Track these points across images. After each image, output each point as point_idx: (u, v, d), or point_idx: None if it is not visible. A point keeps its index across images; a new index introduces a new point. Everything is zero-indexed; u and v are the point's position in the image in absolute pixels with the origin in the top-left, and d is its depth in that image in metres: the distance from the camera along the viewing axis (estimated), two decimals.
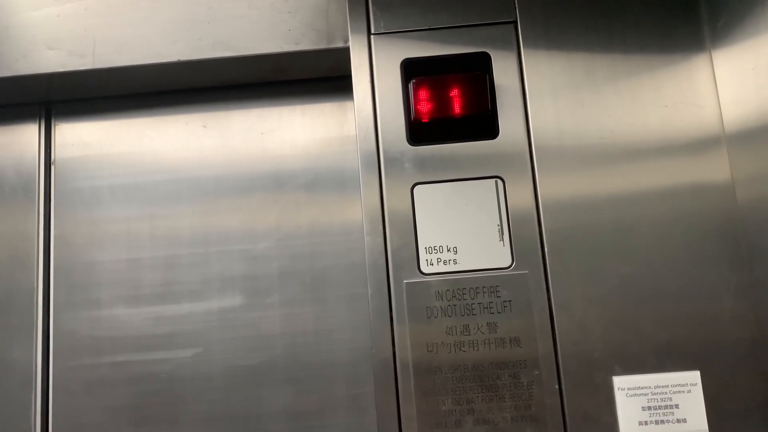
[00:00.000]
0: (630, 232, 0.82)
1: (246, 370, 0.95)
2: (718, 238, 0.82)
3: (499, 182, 0.84)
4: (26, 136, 1.03)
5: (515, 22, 0.89)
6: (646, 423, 0.78)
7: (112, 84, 0.99)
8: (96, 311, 0.97)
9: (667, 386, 0.79)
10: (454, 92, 0.86)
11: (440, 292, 0.81)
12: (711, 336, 0.80)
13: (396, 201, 0.84)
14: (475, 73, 0.86)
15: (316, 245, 0.99)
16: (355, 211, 0.97)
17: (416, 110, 0.86)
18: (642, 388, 0.79)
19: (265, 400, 0.94)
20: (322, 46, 0.94)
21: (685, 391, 0.79)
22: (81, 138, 1.03)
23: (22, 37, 0.95)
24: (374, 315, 0.81)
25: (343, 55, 0.91)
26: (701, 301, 0.80)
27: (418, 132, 0.86)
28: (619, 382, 0.79)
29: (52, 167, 1.03)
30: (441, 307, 0.81)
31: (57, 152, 1.03)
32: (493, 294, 0.81)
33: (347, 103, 1.01)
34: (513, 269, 0.82)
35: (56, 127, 1.04)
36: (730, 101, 0.84)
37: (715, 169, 0.84)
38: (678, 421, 0.78)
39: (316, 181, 1.01)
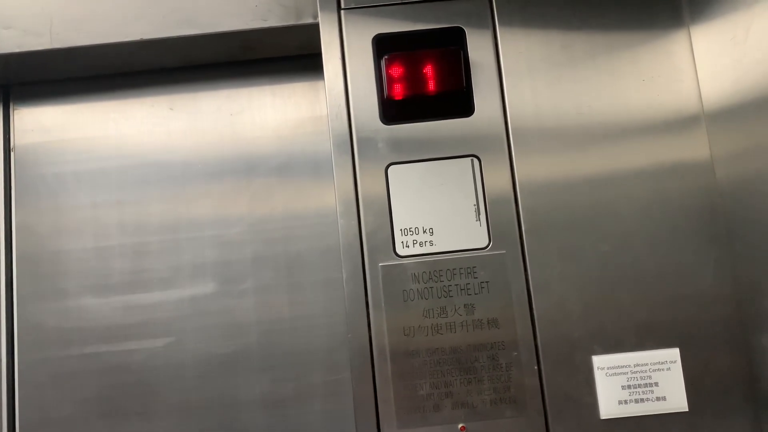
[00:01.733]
0: (609, 211, 0.81)
1: (220, 359, 0.93)
2: (698, 216, 0.81)
3: (475, 161, 0.82)
4: None
5: None
6: (626, 402, 0.77)
7: (72, 65, 0.95)
8: (63, 302, 0.94)
9: (647, 364, 0.78)
10: (428, 69, 0.83)
11: (416, 274, 0.80)
12: (690, 313, 0.79)
13: (370, 182, 0.82)
14: (449, 49, 0.84)
15: (289, 229, 0.96)
16: (329, 194, 0.95)
17: (389, 88, 0.83)
18: (621, 366, 0.78)
19: (241, 389, 0.92)
20: (290, 22, 0.91)
21: (664, 368, 0.78)
22: (42, 123, 0.99)
23: None
24: (349, 299, 0.79)
25: (313, 31, 0.88)
26: (681, 279, 0.80)
27: (392, 110, 0.84)
28: (599, 361, 0.78)
29: (12, 154, 0.99)
30: (417, 289, 0.79)
31: (16, 138, 0.99)
32: (470, 275, 0.80)
33: (319, 83, 0.98)
34: (490, 250, 0.80)
35: (15, 111, 1.00)
36: (709, 76, 0.83)
37: (694, 147, 0.83)
38: (658, 399, 0.77)
39: (288, 163, 0.98)
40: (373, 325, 0.79)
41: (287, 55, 0.98)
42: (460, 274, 0.80)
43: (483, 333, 0.78)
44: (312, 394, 0.92)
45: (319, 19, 0.86)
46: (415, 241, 0.81)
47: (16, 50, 0.90)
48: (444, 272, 0.80)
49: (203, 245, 0.95)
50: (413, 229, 0.81)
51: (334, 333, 0.93)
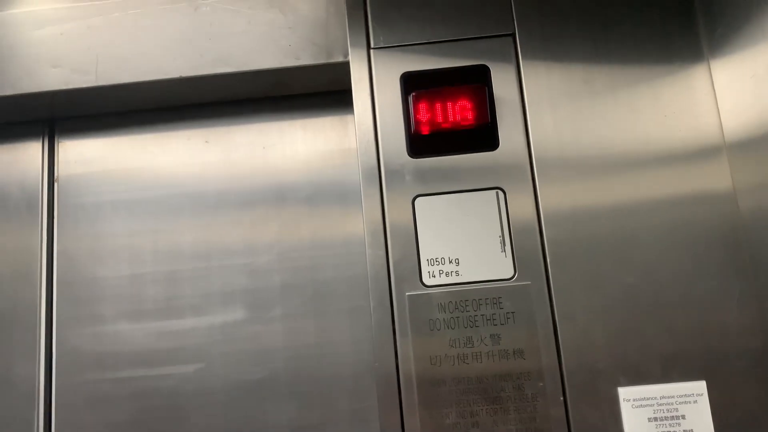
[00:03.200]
0: (632, 242, 0.82)
1: (248, 384, 0.94)
2: (721, 247, 0.81)
3: (500, 193, 0.84)
4: (30, 153, 1.04)
5: (513, 35, 0.89)
6: None
7: (114, 100, 1.00)
8: (99, 326, 0.97)
9: (673, 397, 0.78)
10: (454, 105, 0.86)
11: (443, 304, 0.81)
12: (716, 345, 0.79)
13: (397, 213, 0.84)
14: (474, 85, 0.87)
15: (317, 258, 0.99)
16: (356, 224, 0.97)
17: (416, 123, 0.86)
18: (648, 399, 0.78)
19: (268, 415, 0.93)
20: (322, 60, 0.94)
21: (691, 401, 0.78)
22: (84, 154, 1.04)
23: (26, 56, 0.96)
24: (377, 328, 0.81)
25: (343, 69, 0.91)
26: (705, 310, 0.80)
27: (419, 144, 0.86)
28: (625, 393, 0.78)
29: (56, 184, 1.03)
30: (444, 319, 0.81)
31: (60, 169, 1.04)
32: (495, 305, 0.81)
33: (347, 117, 1.02)
34: (515, 280, 0.82)
35: (59, 144, 1.05)
36: (730, 110, 0.84)
37: (717, 178, 0.83)
38: (685, 431, 0.77)
39: (317, 194, 1.01)
40: (399, 354, 0.80)
41: (318, 91, 1.02)
42: (486, 304, 0.81)
43: (509, 363, 0.79)
44: (338, 420, 0.93)
45: (350, 58, 0.89)
46: (441, 271, 0.82)
47: (63, 87, 0.95)
48: (470, 302, 0.81)
49: (234, 273, 0.98)
50: (439, 260, 0.83)
51: (361, 360, 0.94)
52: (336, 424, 0.93)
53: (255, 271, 0.98)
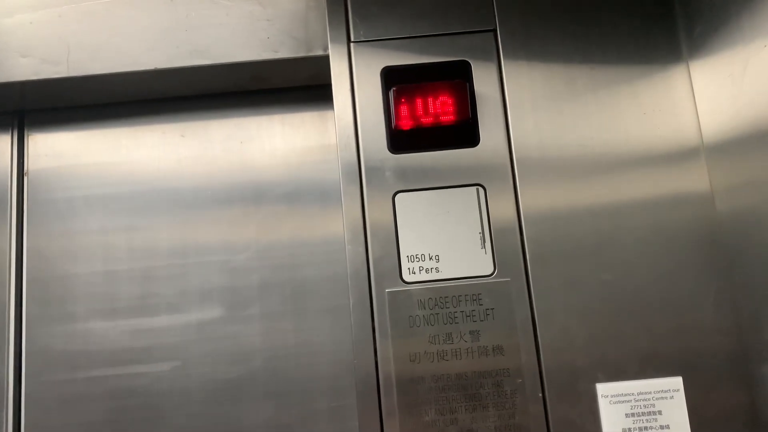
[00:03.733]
0: (611, 241, 0.82)
1: (225, 384, 0.93)
2: (698, 247, 0.82)
3: (481, 190, 0.84)
4: None
5: (495, 31, 0.89)
6: (630, 430, 0.78)
7: (86, 92, 0.97)
8: (71, 325, 0.95)
9: (650, 393, 0.79)
10: (435, 100, 0.86)
11: (422, 300, 0.81)
12: (692, 343, 0.80)
13: (377, 210, 0.83)
14: (455, 81, 0.86)
15: (296, 256, 0.98)
16: (337, 221, 0.96)
17: (397, 118, 0.85)
18: (625, 395, 0.79)
19: (246, 414, 0.92)
20: (301, 54, 0.93)
21: (668, 397, 0.79)
22: (55, 148, 1.01)
23: None
24: (356, 325, 0.80)
25: (323, 63, 0.90)
26: (682, 309, 0.81)
27: (399, 140, 0.86)
28: (603, 389, 0.79)
29: (25, 178, 1.00)
30: (423, 315, 0.80)
31: (30, 163, 1.01)
32: (475, 302, 0.81)
33: (327, 113, 1.00)
34: (495, 277, 0.81)
35: (29, 136, 1.02)
36: (708, 111, 0.85)
37: (695, 180, 0.84)
38: (661, 427, 0.78)
39: (296, 190, 1.00)
40: (379, 351, 0.79)
41: (297, 85, 1.00)
42: (466, 300, 0.81)
43: (488, 360, 0.79)
44: (317, 419, 0.92)
45: (329, 52, 0.88)
46: (421, 268, 0.82)
47: (33, 77, 0.92)
48: (450, 299, 0.81)
49: (211, 271, 0.96)
50: (419, 256, 0.82)
51: (339, 359, 0.93)
52: (314, 423, 0.92)
53: (233, 269, 0.97)
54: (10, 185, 0.99)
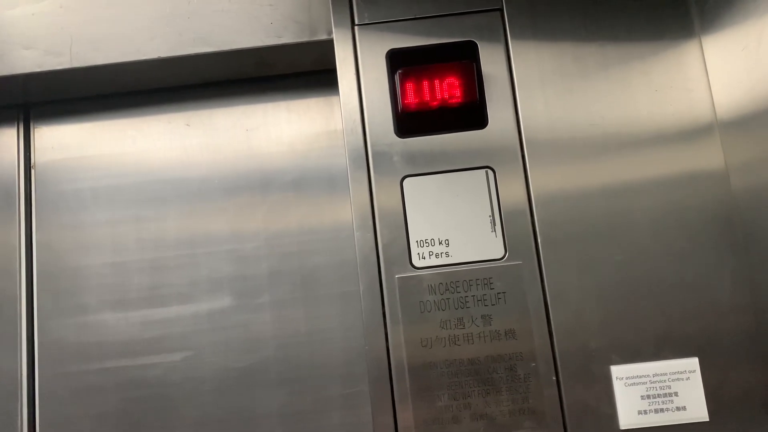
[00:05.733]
0: (624, 221, 0.81)
1: (237, 372, 0.93)
2: (714, 226, 0.81)
3: (490, 173, 0.83)
4: (4, 140, 1.01)
5: (501, 10, 0.87)
6: (645, 412, 0.77)
7: (90, 83, 0.97)
8: (82, 317, 0.95)
9: (666, 374, 0.78)
10: (441, 82, 0.84)
11: (433, 285, 0.80)
12: (709, 323, 0.79)
13: (385, 195, 0.83)
14: (462, 62, 0.85)
15: (305, 243, 0.97)
16: (345, 207, 0.95)
17: (403, 101, 0.84)
18: (640, 377, 0.78)
19: (258, 402, 0.92)
20: (305, 38, 0.92)
21: (684, 378, 0.78)
22: (61, 140, 1.01)
23: None
24: (367, 311, 0.79)
25: (327, 47, 0.89)
26: (698, 288, 0.80)
27: (406, 124, 0.84)
28: (617, 371, 0.78)
29: (33, 171, 1.00)
30: (434, 301, 0.80)
31: (37, 156, 1.01)
32: (486, 286, 0.80)
33: (333, 98, 0.99)
34: (506, 260, 0.81)
35: (35, 129, 1.02)
36: (721, 86, 0.83)
37: (709, 157, 0.83)
38: (678, 408, 0.77)
39: (303, 177, 0.99)
40: (390, 337, 0.79)
41: (302, 71, 0.99)
42: (477, 285, 0.80)
43: (500, 344, 0.78)
44: (329, 406, 0.92)
45: (334, 36, 0.87)
46: (431, 253, 0.81)
47: (37, 69, 0.91)
48: (460, 283, 0.80)
49: (220, 260, 0.96)
50: (429, 241, 0.81)
51: (350, 346, 0.93)
52: (326, 410, 0.92)
53: (242, 257, 0.96)
54: (17, 179, 0.99)
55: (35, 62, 0.91)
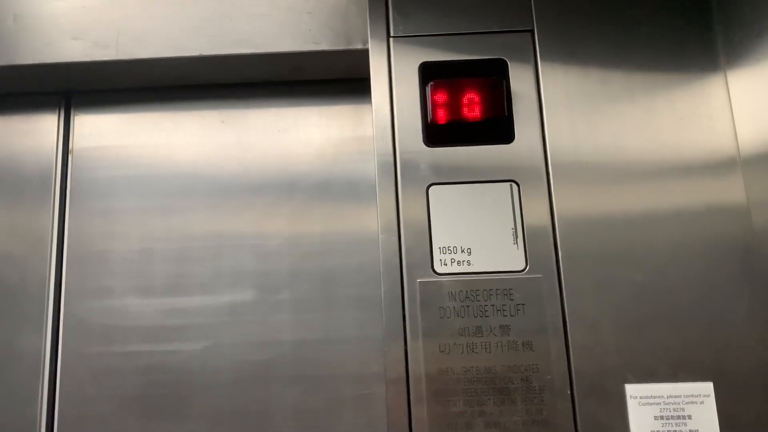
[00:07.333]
0: (644, 245, 0.82)
1: (254, 366, 0.94)
2: (733, 256, 0.81)
3: (514, 186, 0.85)
4: (46, 124, 1.04)
5: (532, 31, 0.90)
6: None
7: (132, 76, 1.00)
8: (107, 301, 0.97)
9: (680, 396, 0.78)
10: (472, 96, 0.87)
11: (453, 292, 0.81)
12: (725, 349, 0.79)
13: (411, 201, 0.84)
14: (492, 78, 0.87)
15: (327, 245, 0.99)
16: (367, 213, 0.97)
17: (433, 112, 0.86)
18: (655, 397, 0.78)
19: (273, 396, 0.93)
20: (340, 46, 0.95)
21: (698, 402, 0.78)
22: (99, 129, 1.04)
23: (48, 27, 0.96)
24: (386, 313, 0.81)
25: (361, 56, 0.92)
26: (715, 315, 0.80)
27: (435, 134, 0.86)
28: (632, 390, 0.78)
29: (70, 156, 1.03)
30: (454, 307, 0.81)
31: (75, 142, 1.04)
32: (506, 297, 0.81)
33: (363, 106, 1.02)
34: (527, 273, 0.82)
35: (75, 117, 1.05)
36: (745, 120, 0.84)
37: (731, 191, 0.83)
38: (691, 431, 0.77)
39: (328, 181, 1.01)
40: (409, 340, 0.80)
41: (334, 78, 1.02)
42: (497, 294, 0.81)
43: (517, 355, 0.79)
44: (342, 406, 0.92)
45: (369, 46, 0.90)
46: (453, 260, 0.82)
47: (84, 59, 0.95)
48: (480, 292, 0.81)
49: (244, 254, 0.98)
50: (451, 248, 0.83)
51: (367, 348, 0.93)
52: (339, 410, 0.93)
53: (265, 254, 0.98)
54: (55, 163, 1.02)
55: (82, 52, 0.95)
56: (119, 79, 1.01)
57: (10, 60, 0.95)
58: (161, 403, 0.93)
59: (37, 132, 1.03)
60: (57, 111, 1.04)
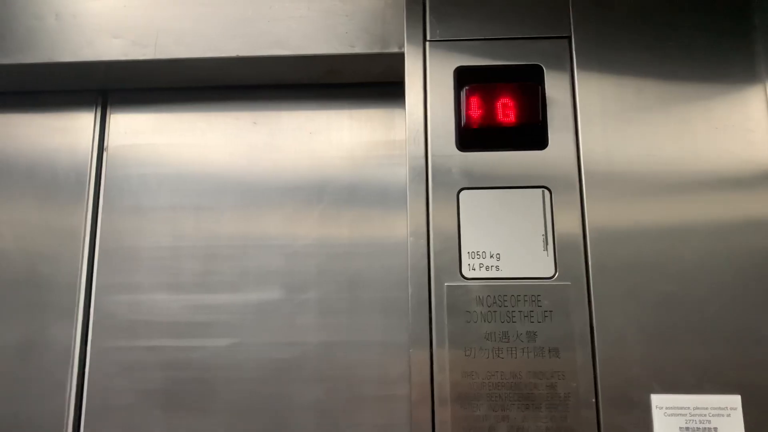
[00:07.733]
0: (674, 257, 0.82)
1: (278, 364, 0.95)
2: (765, 269, 0.81)
3: (546, 192, 0.85)
4: (83, 122, 1.06)
5: (569, 38, 0.90)
6: None
7: (169, 75, 1.02)
8: (136, 295, 0.99)
9: (707, 408, 0.78)
10: (506, 101, 0.87)
11: (481, 297, 0.81)
12: (753, 362, 0.78)
13: (441, 204, 0.85)
14: (527, 84, 0.87)
15: (354, 247, 0.99)
16: (395, 216, 0.98)
17: (467, 117, 0.87)
18: (681, 408, 0.78)
19: (295, 395, 0.94)
20: (376, 50, 0.96)
21: (725, 414, 0.77)
22: (134, 127, 1.06)
23: (88, 25, 0.98)
24: (413, 315, 0.81)
25: (396, 60, 0.92)
26: (743, 328, 0.79)
27: (468, 138, 0.87)
28: (657, 400, 0.78)
29: (105, 154, 1.05)
30: (481, 312, 0.81)
31: (110, 139, 1.06)
32: (534, 303, 0.81)
33: (395, 110, 1.03)
34: (556, 280, 0.82)
35: (111, 115, 1.07)
36: None
37: (765, 204, 0.83)
38: None
39: (358, 184, 1.02)
40: (434, 343, 0.80)
41: (368, 81, 1.03)
42: (524, 300, 0.81)
43: (543, 361, 0.79)
44: (364, 406, 0.93)
45: (405, 49, 0.90)
46: (481, 265, 0.83)
47: (122, 58, 0.97)
48: (508, 297, 0.81)
49: (272, 254, 0.99)
50: (480, 253, 0.83)
51: (391, 350, 0.94)
52: (360, 410, 0.93)
53: (292, 254, 0.99)
54: (90, 160, 1.04)
55: (122, 51, 0.97)
56: (156, 79, 1.03)
57: (51, 57, 0.98)
58: (185, 397, 0.94)
59: (73, 129, 1.05)
60: (93, 109, 1.06)
